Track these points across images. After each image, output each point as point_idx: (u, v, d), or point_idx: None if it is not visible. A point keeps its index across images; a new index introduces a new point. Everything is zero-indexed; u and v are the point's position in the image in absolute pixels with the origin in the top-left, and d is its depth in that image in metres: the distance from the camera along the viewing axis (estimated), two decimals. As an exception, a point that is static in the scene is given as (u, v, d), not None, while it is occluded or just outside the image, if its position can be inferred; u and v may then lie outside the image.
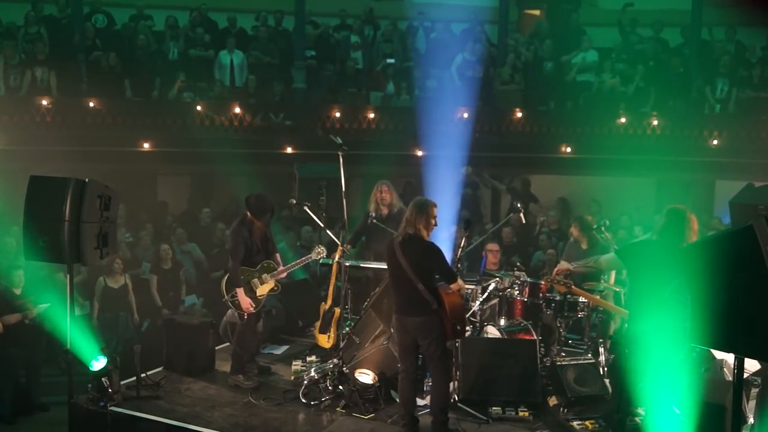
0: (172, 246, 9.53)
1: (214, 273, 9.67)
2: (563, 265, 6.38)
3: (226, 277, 6.61)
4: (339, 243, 7.14)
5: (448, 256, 5.93)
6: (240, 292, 6.51)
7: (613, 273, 7.02)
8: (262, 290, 6.68)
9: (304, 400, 6.24)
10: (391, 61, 12.05)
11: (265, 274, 6.71)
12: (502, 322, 7.10)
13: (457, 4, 12.46)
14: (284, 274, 6.95)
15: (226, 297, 6.56)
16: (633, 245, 6.24)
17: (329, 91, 11.95)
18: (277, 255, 6.98)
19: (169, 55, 11.70)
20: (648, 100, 11.75)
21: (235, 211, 11.07)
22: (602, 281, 6.94)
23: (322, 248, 7.11)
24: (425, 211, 5.42)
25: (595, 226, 7.46)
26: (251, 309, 6.58)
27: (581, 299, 6.80)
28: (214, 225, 10.45)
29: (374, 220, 7.51)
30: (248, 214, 6.60)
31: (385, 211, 7.61)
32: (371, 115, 11.56)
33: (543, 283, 7.03)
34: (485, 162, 11.70)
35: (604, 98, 11.80)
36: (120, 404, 6.03)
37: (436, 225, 5.53)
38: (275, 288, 6.79)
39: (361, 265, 7.38)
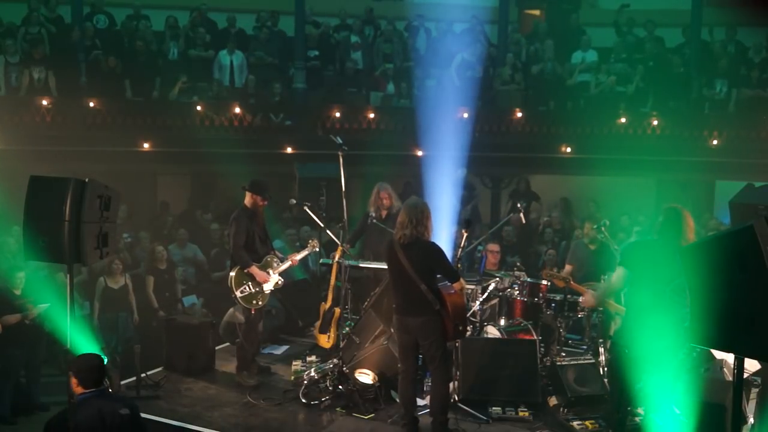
0: (168, 248, 9.51)
1: (214, 273, 9.67)
2: (588, 299, 6.21)
3: (234, 274, 6.55)
4: (339, 243, 7.15)
5: (448, 256, 5.92)
6: (254, 268, 6.55)
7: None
8: (270, 285, 6.69)
9: (304, 400, 6.24)
10: (389, 66, 12.06)
11: (270, 269, 6.72)
12: (502, 322, 7.10)
13: (457, 4, 12.46)
14: (298, 260, 7.05)
15: (235, 293, 6.53)
16: (632, 245, 6.26)
17: (329, 91, 11.95)
18: (275, 250, 7.00)
19: (169, 55, 11.71)
20: (647, 101, 11.75)
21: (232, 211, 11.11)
22: (603, 280, 6.95)
23: (315, 241, 7.24)
24: (426, 212, 5.42)
25: (595, 226, 7.49)
26: (268, 279, 6.62)
27: (581, 299, 6.81)
28: (213, 225, 10.44)
29: (374, 220, 7.52)
30: (247, 200, 6.64)
31: (384, 213, 7.63)
32: (371, 115, 11.56)
33: (543, 283, 7.05)
34: (485, 162, 11.71)
35: (604, 98, 11.81)
36: (120, 404, 6.03)
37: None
38: (279, 283, 6.80)
39: (361, 265, 7.39)
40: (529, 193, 11.74)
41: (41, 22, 11.29)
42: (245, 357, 6.72)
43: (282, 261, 6.89)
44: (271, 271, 6.73)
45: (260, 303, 6.66)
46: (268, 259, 6.76)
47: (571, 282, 6.80)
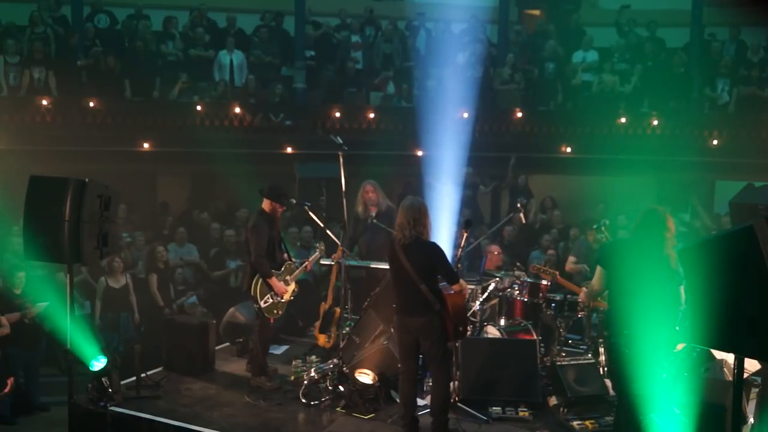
0: (167, 247, 9.51)
1: (214, 273, 9.67)
2: (582, 296, 6.31)
3: (259, 283, 6.44)
4: (339, 243, 7.15)
5: (448, 255, 5.93)
6: (274, 279, 6.45)
7: None
8: (288, 294, 6.66)
9: (304, 400, 6.24)
10: (389, 73, 12.07)
11: (288, 276, 6.68)
12: (502, 322, 7.10)
13: (457, 4, 12.46)
14: (311, 265, 7.04)
15: (259, 303, 6.42)
16: (609, 245, 6.34)
17: (329, 91, 11.95)
18: (291, 256, 6.98)
19: (169, 56, 11.70)
20: (644, 100, 11.76)
21: (226, 211, 11.09)
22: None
23: (322, 245, 7.21)
24: (423, 211, 5.42)
25: (595, 226, 7.53)
26: (286, 291, 6.55)
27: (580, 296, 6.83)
28: (212, 226, 10.43)
29: (374, 220, 7.53)
30: (266, 205, 6.53)
31: (373, 210, 7.63)
32: (371, 115, 11.56)
33: (543, 283, 7.06)
34: (485, 162, 11.70)
35: (604, 98, 11.81)
36: (120, 404, 6.03)
37: None
38: (296, 290, 6.77)
39: (361, 265, 7.39)
40: (526, 190, 11.73)
41: (47, 22, 11.30)
42: (261, 361, 6.66)
43: (298, 266, 6.86)
44: (288, 278, 6.67)
45: (279, 312, 6.64)
46: (287, 265, 6.71)
47: (558, 277, 6.91)
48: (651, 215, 5.13)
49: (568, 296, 6.98)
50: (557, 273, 6.98)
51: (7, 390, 5.49)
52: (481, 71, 11.76)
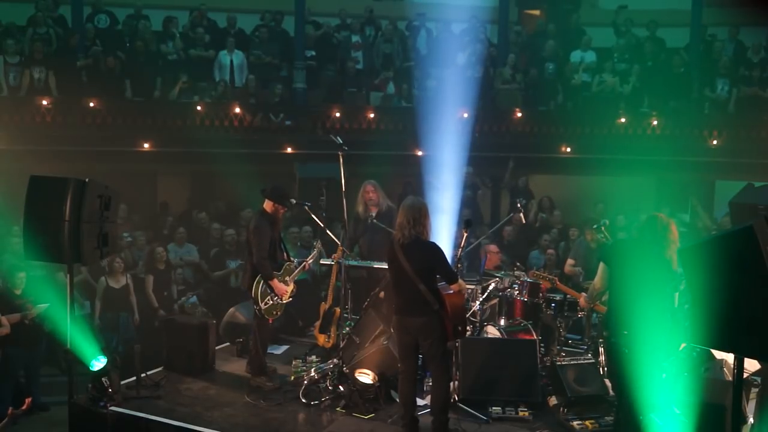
0: (167, 248, 9.52)
1: (215, 273, 9.67)
2: (581, 301, 6.34)
3: (260, 286, 6.45)
4: (339, 243, 7.15)
5: (448, 256, 5.93)
6: (275, 281, 6.47)
7: None
8: (287, 295, 6.66)
9: (304, 400, 6.24)
10: (389, 73, 12.07)
11: (287, 277, 6.68)
12: (502, 322, 7.11)
13: (457, 4, 12.47)
14: (310, 263, 7.06)
15: (260, 305, 6.43)
16: (613, 244, 6.35)
17: (329, 91, 11.96)
18: (290, 255, 6.98)
19: (169, 56, 11.71)
20: (643, 100, 11.76)
21: (226, 211, 11.08)
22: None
23: (318, 243, 7.28)
24: (423, 211, 5.42)
25: (594, 226, 7.54)
26: (287, 291, 6.57)
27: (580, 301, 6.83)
28: (212, 226, 10.44)
29: (374, 220, 7.53)
30: (267, 205, 6.53)
31: (374, 210, 7.63)
32: (371, 115, 11.56)
33: (543, 282, 7.07)
34: (485, 162, 11.71)
35: (603, 98, 11.82)
36: (120, 404, 6.03)
37: None
38: (294, 290, 6.78)
39: (362, 265, 7.39)
40: (527, 191, 11.73)
41: (48, 23, 11.31)
42: (261, 362, 6.66)
43: (297, 266, 6.86)
44: (288, 279, 6.68)
45: (278, 313, 6.66)
46: (286, 266, 6.72)
47: (557, 282, 6.92)
48: (655, 220, 5.16)
49: (568, 296, 6.98)
50: (556, 279, 6.98)
51: (24, 408, 5.51)
52: (481, 71, 11.77)
